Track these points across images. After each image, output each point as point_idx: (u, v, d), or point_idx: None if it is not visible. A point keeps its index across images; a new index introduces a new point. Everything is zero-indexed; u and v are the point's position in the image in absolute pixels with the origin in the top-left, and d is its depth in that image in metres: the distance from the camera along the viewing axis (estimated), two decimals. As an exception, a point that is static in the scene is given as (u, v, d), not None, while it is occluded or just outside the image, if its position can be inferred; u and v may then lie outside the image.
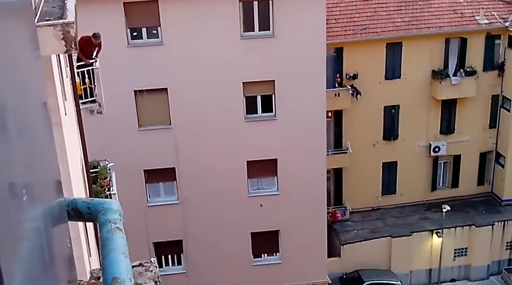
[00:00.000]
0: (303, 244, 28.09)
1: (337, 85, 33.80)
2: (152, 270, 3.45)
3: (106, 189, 17.61)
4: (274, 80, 25.90)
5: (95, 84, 16.44)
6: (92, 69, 16.34)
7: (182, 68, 24.99)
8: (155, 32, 24.94)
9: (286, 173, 27.16)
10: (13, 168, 2.01)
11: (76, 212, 2.93)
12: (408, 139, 35.99)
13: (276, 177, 27.44)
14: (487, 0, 35.23)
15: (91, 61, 16.29)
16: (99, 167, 18.24)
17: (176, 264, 28.46)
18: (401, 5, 34.61)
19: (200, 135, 26.00)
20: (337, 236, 34.78)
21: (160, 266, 27.83)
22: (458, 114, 36.30)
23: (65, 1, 8.51)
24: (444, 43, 34.64)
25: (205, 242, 27.55)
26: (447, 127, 36.50)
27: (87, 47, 16.19)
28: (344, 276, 34.36)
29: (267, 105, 26.50)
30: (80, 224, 11.31)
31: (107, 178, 17.89)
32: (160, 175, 26.71)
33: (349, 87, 33.81)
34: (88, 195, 13.80)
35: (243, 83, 25.70)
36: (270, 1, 25.00)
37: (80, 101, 14.86)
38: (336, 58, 33.62)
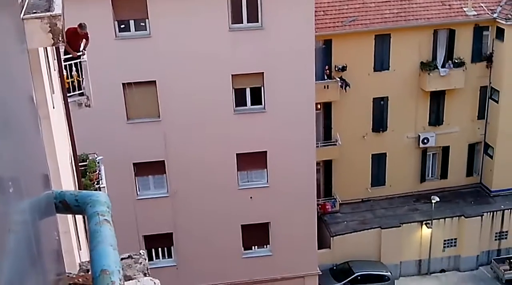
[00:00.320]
0: (293, 236, 28.15)
1: (326, 77, 33.81)
2: (141, 262, 3.44)
3: (95, 182, 17.56)
4: (263, 72, 25.88)
5: (83, 77, 16.35)
6: (80, 62, 16.24)
7: (170, 61, 24.91)
8: (143, 24, 24.84)
9: (276, 165, 27.18)
10: (-1, 160, 1.99)
11: (64, 204, 2.91)
12: (397, 130, 36.09)
13: (266, 169, 27.46)
14: (475, -9, 35.32)
15: (78, 53, 16.19)
16: (88, 160, 18.17)
17: (166, 257, 28.46)
18: (389, -3, 34.63)
19: (190, 128, 25.95)
20: (327, 227, 34.88)
21: (151, 259, 27.82)
22: (447, 105, 36.43)
23: (52, -7, 8.46)
24: (432, 34, 34.71)
25: (196, 235, 27.55)
26: (436, 119, 36.62)
27: (74, 39, 16.08)
28: (334, 268, 34.49)
29: (256, 97, 26.48)
30: (70, 218, 11.27)
31: (96, 171, 17.84)
32: (150, 168, 26.66)
33: (338, 79, 33.83)
34: (77, 189, 13.76)
35: (232, 75, 25.67)
36: (259, -7, 24.96)
37: (68, 94, 14.78)
38: (325, 50, 33.62)
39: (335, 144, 35.16)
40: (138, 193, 27.00)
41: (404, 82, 35.18)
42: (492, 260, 36.19)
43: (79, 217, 12.64)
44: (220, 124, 26.07)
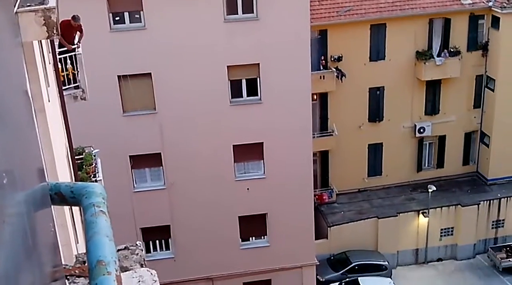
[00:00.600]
0: (290, 226, 28.19)
1: (322, 68, 33.79)
2: (138, 253, 3.44)
3: (92, 175, 17.57)
4: (258, 63, 25.83)
5: (78, 70, 16.30)
6: (75, 54, 16.20)
7: (165, 52, 24.85)
8: (138, 16, 24.75)
9: (273, 156, 27.18)
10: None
11: (60, 196, 2.90)
12: (393, 120, 36.12)
13: (262, 160, 27.46)
14: (470, -20, 35.26)
15: (73, 46, 16.14)
16: (84, 153, 18.17)
17: (164, 249, 28.49)
18: (384, -14, 34.57)
19: (186, 120, 25.92)
20: (324, 218, 34.95)
21: (148, 251, 27.87)
22: (443, 94, 36.45)
23: (46, -14, 8.43)
24: (428, 24, 34.69)
25: (193, 226, 27.57)
26: (432, 108, 36.66)
27: (68, 31, 16.04)
28: (332, 258, 34.60)
29: (252, 88, 26.45)
30: (67, 211, 11.27)
31: (92, 164, 17.84)
32: (146, 161, 26.64)
33: (334, 70, 33.81)
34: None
35: (227, 66, 25.62)
36: (253, -16, 24.88)
37: (63, 88, 14.75)
38: (320, 40, 33.59)
39: (332, 135, 35.19)
40: (135, 185, 27.00)
41: (400, 71, 35.19)
42: (489, 249, 36.32)
43: (76, 210, 12.64)
44: (216, 116, 26.04)
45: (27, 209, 2.36)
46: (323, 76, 33.43)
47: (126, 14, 24.82)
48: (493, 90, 36.06)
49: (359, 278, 32.92)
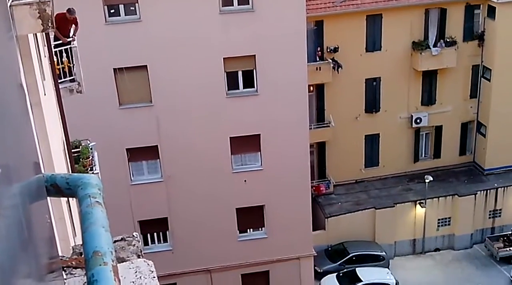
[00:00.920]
0: (288, 218, 28.23)
1: (318, 59, 33.74)
2: (134, 244, 3.44)
3: (89, 168, 17.54)
4: (254, 55, 25.79)
5: (74, 63, 16.26)
6: (70, 47, 16.16)
7: (161, 45, 24.79)
8: (133, 8, 24.67)
9: (270, 148, 27.18)
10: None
11: (55, 187, 2.90)
12: (390, 111, 36.12)
13: (259, 152, 27.46)
14: (466, -31, 35.20)
15: (68, 39, 16.10)
16: (80, 147, 18.15)
17: (162, 241, 28.50)
18: (380, -23, 34.49)
19: (182, 112, 25.89)
20: (322, 209, 34.99)
21: (146, 244, 27.89)
22: (439, 85, 36.45)
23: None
24: (424, 14, 34.64)
25: (191, 219, 27.59)
26: (428, 98, 36.66)
27: (63, 24, 16.00)
28: (330, 249, 34.66)
29: (249, 80, 26.41)
30: (64, 204, 11.27)
31: (89, 157, 17.82)
32: (143, 153, 26.62)
33: (330, 61, 33.77)
34: (70, 175, 13.70)
35: (223, 58, 25.56)
36: (249, -25, 24.81)
37: (59, 81, 14.71)
38: (316, 32, 33.53)
39: (328, 126, 35.19)
40: (132, 178, 26.98)
41: (396, 62, 35.16)
42: (486, 238, 36.40)
43: (73, 204, 12.64)
44: (213, 108, 26.01)
45: (22, 201, 2.35)
46: (320, 67, 33.38)
47: (121, 7, 24.72)
48: (489, 80, 36.06)
49: (356, 269, 33.01)
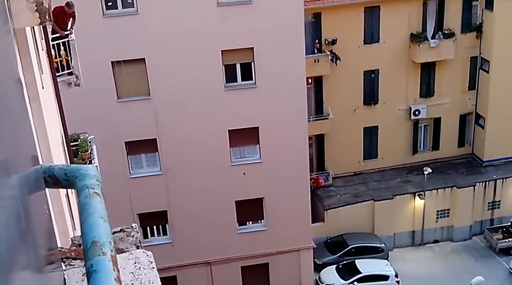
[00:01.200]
0: (287, 210, 28.26)
1: (316, 51, 33.70)
2: (133, 235, 3.44)
3: (88, 162, 17.54)
4: (252, 47, 25.76)
5: (72, 56, 16.23)
6: (68, 41, 16.12)
7: (159, 38, 24.74)
8: (130, 1, 24.60)
9: (268, 140, 27.18)
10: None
11: (53, 179, 2.90)
12: (388, 103, 36.11)
13: (258, 145, 27.46)
14: (464, -39, 35.12)
15: (66, 32, 16.06)
16: (79, 140, 18.15)
17: (161, 234, 28.53)
18: (378, -32, 34.41)
19: (181, 105, 25.87)
20: (321, 201, 35.03)
21: (146, 237, 27.93)
22: (437, 76, 36.43)
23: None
24: (422, 5, 34.59)
25: (190, 212, 27.62)
26: (427, 90, 36.65)
27: (61, 18, 15.96)
28: (329, 241, 34.73)
29: (247, 73, 26.38)
30: (63, 198, 11.26)
31: (88, 151, 17.82)
32: (142, 147, 26.61)
33: (328, 53, 33.72)
34: (69, 168, 13.68)
35: (221, 51, 25.53)
36: (246, -33, 24.74)
37: (57, 74, 14.69)
38: (314, 24, 33.48)
39: (327, 118, 35.18)
40: (131, 171, 26.99)
41: (395, 54, 35.13)
42: (485, 230, 36.47)
43: (72, 198, 12.63)
44: (211, 101, 25.99)
45: (20, 192, 2.35)
46: (318, 60, 33.36)
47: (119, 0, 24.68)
48: (487, 72, 36.05)
49: (356, 261, 33.10)
